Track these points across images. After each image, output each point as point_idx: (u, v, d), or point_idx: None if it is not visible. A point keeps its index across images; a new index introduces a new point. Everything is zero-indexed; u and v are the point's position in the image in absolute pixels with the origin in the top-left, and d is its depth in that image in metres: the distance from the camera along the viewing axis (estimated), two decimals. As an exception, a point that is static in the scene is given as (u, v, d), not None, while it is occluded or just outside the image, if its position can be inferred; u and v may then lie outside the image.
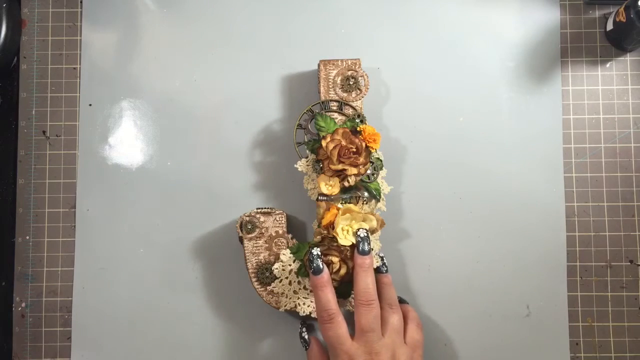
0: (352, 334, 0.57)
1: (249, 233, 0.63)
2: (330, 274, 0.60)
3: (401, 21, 0.69)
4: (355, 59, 0.64)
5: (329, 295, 0.58)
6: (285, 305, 0.63)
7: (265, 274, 0.63)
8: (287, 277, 0.63)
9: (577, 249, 0.67)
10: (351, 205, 0.61)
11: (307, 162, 0.63)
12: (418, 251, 0.67)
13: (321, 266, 0.58)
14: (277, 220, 0.64)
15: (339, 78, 0.64)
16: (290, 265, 0.63)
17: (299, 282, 0.63)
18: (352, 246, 0.60)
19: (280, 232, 0.64)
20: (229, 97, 0.69)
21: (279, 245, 0.64)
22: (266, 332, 0.67)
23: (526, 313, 0.67)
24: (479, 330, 0.67)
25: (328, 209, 0.61)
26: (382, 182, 0.64)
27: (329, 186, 0.61)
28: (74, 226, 0.68)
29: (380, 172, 0.63)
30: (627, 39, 0.66)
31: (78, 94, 0.69)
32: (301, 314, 0.62)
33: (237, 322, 0.67)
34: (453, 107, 0.68)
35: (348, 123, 0.63)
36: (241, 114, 0.69)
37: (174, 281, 0.68)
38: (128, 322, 0.67)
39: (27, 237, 0.68)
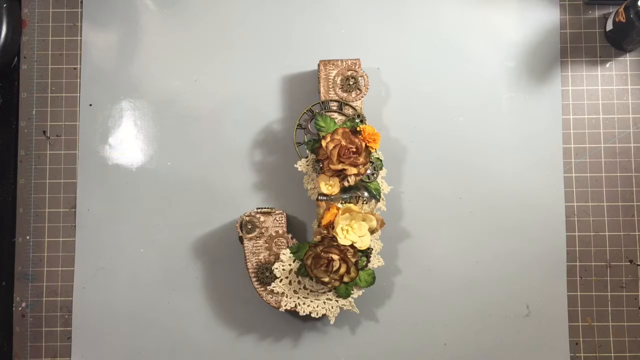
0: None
1: (249, 233, 0.63)
2: (330, 272, 0.60)
3: (401, 21, 0.69)
4: (355, 59, 0.64)
5: None
6: (285, 305, 0.63)
7: (265, 273, 0.63)
8: (287, 277, 0.63)
9: (577, 249, 0.67)
10: (351, 205, 0.61)
11: (307, 162, 0.63)
12: (418, 251, 0.67)
13: None
14: (277, 220, 0.64)
15: (339, 78, 0.64)
16: (290, 265, 0.63)
17: (299, 282, 0.63)
18: (352, 245, 0.60)
19: (280, 232, 0.64)
20: (229, 97, 0.69)
21: (279, 245, 0.64)
22: (266, 332, 0.67)
23: (526, 313, 0.67)
24: (479, 330, 0.67)
25: (328, 209, 0.61)
26: (382, 182, 0.64)
27: (329, 186, 0.61)
28: (74, 226, 0.68)
29: (380, 172, 0.63)
30: (627, 39, 0.66)
31: (78, 94, 0.69)
32: (301, 313, 0.63)
33: (237, 322, 0.67)
34: (453, 107, 0.68)
35: (348, 123, 0.63)
36: (241, 114, 0.69)
37: (174, 281, 0.68)
38: (128, 322, 0.67)
39: (28, 237, 0.68)
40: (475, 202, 0.68)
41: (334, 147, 0.60)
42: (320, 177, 0.62)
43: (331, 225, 0.61)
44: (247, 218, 0.64)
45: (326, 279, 0.60)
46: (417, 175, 0.68)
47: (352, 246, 0.60)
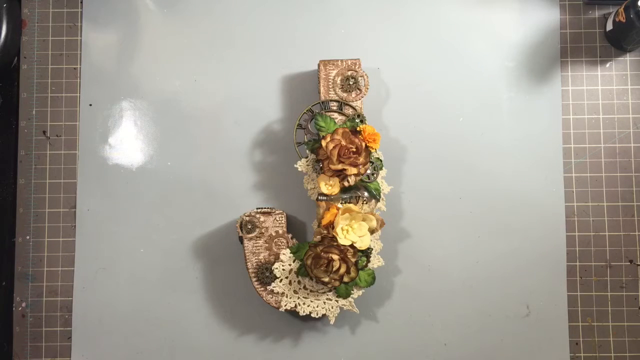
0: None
1: (249, 233, 0.63)
2: (330, 273, 0.60)
3: (401, 21, 0.69)
4: (355, 59, 0.64)
5: None
6: (285, 305, 0.63)
7: (265, 273, 0.63)
8: (287, 277, 0.63)
9: (577, 249, 0.67)
10: (351, 205, 0.61)
11: (307, 162, 0.63)
12: (418, 251, 0.67)
13: None
14: (277, 220, 0.64)
15: (339, 78, 0.64)
16: (290, 265, 0.63)
17: (299, 282, 0.63)
18: (352, 245, 0.60)
19: (280, 232, 0.64)
20: (229, 97, 0.69)
21: (279, 245, 0.64)
22: (266, 332, 0.67)
23: (526, 313, 0.67)
24: (479, 330, 0.67)
25: (328, 209, 0.61)
26: (382, 182, 0.64)
27: (329, 186, 0.61)
28: (74, 226, 0.68)
29: (380, 172, 0.63)
30: (627, 39, 0.66)
31: (78, 94, 0.69)
32: (301, 313, 0.63)
33: (237, 322, 0.67)
34: (453, 107, 0.68)
35: (348, 123, 0.63)
36: (241, 114, 0.69)
37: (174, 281, 0.68)
38: (128, 322, 0.67)
39: (28, 237, 0.68)
40: (475, 202, 0.68)
41: (334, 147, 0.60)
42: (320, 177, 0.62)
43: (331, 225, 0.61)
44: (247, 218, 0.64)
45: (326, 279, 0.60)
46: (417, 175, 0.68)
47: (352, 246, 0.60)
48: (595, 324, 0.67)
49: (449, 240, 0.67)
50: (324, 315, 0.63)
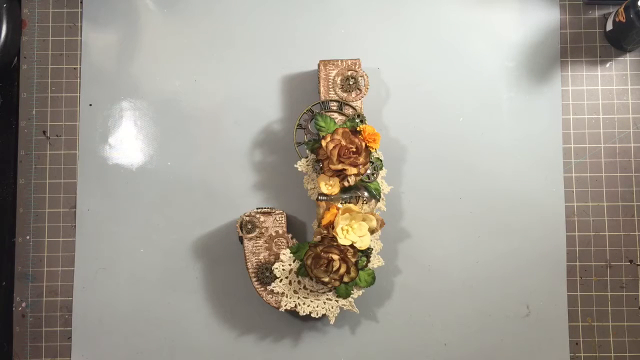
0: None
1: (249, 233, 0.63)
2: (330, 272, 0.60)
3: (401, 21, 0.69)
4: (355, 59, 0.64)
5: None
6: (285, 305, 0.63)
7: (265, 273, 0.63)
8: (287, 277, 0.63)
9: (577, 249, 0.67)
10: (351, 205, 0.61)
11: (307, 162, 0.64)
12: (418, 251, 0.67)
13: None
14: (277, 220, 0.64)
15: (339, 78, 0.64)
16: (290, 265, 0.63)
17: (299, 282, 0.63)
18: (352, 245, 0.60)
19: (280, 232, 0.64)
20: (229, 97, 0.69)
21: (279, 245, 0.64)
22: (266, 332, 0.67)
23: (526, 313, 0.67)
24: (479, 330, 0.67)
25: (328, 209, 0.61)
26: (382, 182, 0.64)
27: (329, 186, 0.62)
28: (74, 226, 0.68)
29: (380, 172, 0.63)
30: (627, 39, 0.66)
31: (78, 94, 0.69)
32: (301, 313, 0.63)
33: (237, 322, 0.67)
34: (453, 107, 0.68)
35: (348, 123, 0.63)
36: (241, 114, 0.69)
37: (174, 281, 0.68)
38: (128, 322, 0.67)
39: (28, 237, 0.68)
40: (475, 202, 0.68)
41: (334, 147, 0.60)
42: (320, 177, 0.62)
43: (331, 225, 0.61)
44: (247, 218, 0.64)
45: (326, 279, 0.60)
46: (417, 175, 0.68)
47: (352, 246, 0.60)
48: (595, 324, 0.67)
49: (449, 240, 0.67)
50: (324, 315, 0.63)
